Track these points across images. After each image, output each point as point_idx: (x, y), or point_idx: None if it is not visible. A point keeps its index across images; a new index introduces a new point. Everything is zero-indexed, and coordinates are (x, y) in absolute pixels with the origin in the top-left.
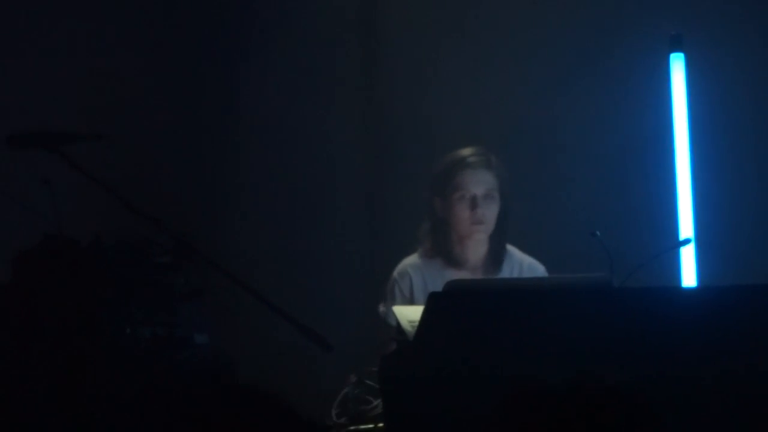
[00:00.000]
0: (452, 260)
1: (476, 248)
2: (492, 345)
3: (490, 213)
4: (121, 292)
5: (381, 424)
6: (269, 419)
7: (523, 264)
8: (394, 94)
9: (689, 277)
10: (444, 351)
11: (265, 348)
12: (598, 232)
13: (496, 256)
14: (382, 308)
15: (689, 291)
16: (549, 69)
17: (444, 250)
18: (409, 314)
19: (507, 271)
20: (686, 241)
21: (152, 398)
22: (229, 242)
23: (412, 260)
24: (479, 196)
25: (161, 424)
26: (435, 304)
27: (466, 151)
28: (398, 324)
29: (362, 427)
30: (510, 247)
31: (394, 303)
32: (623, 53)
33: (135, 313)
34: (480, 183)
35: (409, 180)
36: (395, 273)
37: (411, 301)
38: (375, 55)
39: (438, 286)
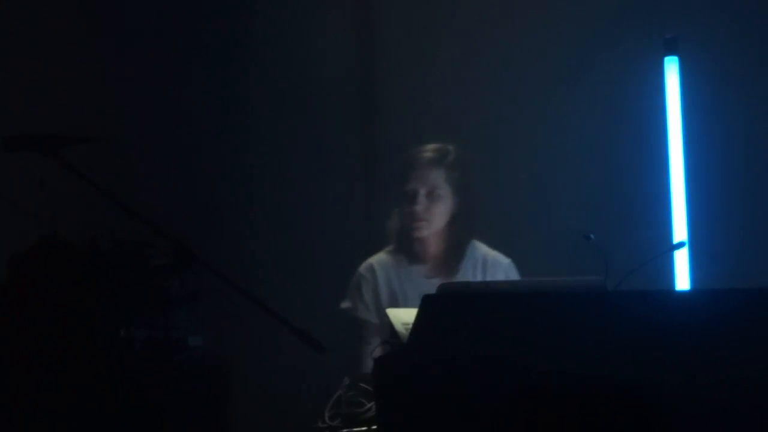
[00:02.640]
0: (412, 255)
1: (436, 245)
2: (485, 348)
3: (434, 210)
4: (117, 294)
5: (374, 427)
6: None
7: (486, 258)
8: (391, 96)
9: (683, 281)
10: (437, 353)
11: (259, 350)
12: (592, 236)
13: (454, 251)
14: (346, 304)
15: (683, 294)
16: (543, 71)
17: (404, 244)
18: (403, 316)
19: (470, 266)
20: (680, 245)
21: (147, 399)
22: (224, 245)
23: (378, 257)
24: (421, 193)
25: (159, 425)
26: (429, 307)
27: (423, 147)
28: (392, 326)
29: (355, 429)
30: (476, 242)
31: (361, 298)
32: (618, 56)
33: (130, 315)
34: (423, 180)
35: None
36: (361, 269)
37: (377, 297)
38: (371, 58)
39: (404, 281)
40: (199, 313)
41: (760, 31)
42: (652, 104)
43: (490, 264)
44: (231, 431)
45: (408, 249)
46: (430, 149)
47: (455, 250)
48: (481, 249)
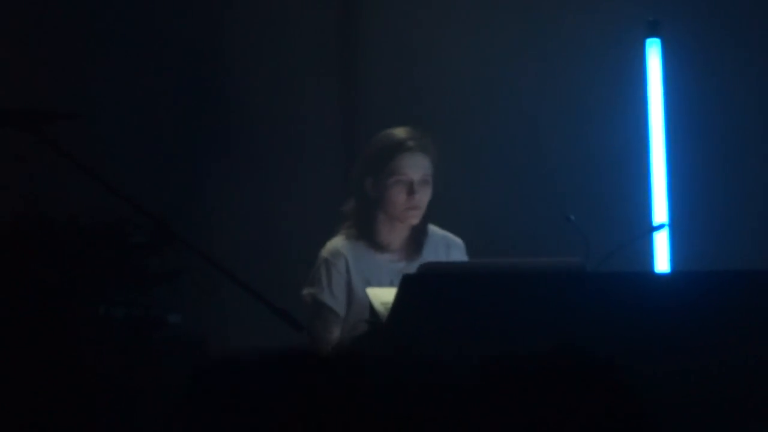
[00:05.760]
0: (376, 243)
1: (401, 231)
2: (465, 328)
3: (425, 198)
4: (96, 271)
5: None
6: None
7: (447, 240)
8: (373, 79)
9: (663, 263)
10: (417, 333)
11: (237, 328)
12: (572, 216)
13: (418, 239)
14: (309, 291)
15: (662, 276)
16: (524, 53)
17: (368, 232)
18: (383, 296)
19: (431, 251)
20: (660, 227)
21: (125, 377)
22: (204, 223)
23: (340, 242)
24: (416, 181)
25: (134, 404)
26: (408, 287)
27: (403, 134)
28: (371, 306)
29: None
30: (429, 226)
31: (330, 285)
32: (599, 37)
33: (109, 292)
34: (418, 168)
35: None
36: (326, 254)
37: (348, 282)
38: (355, 45)
39: (365, 269)
40: (178, 291)
41: (742, 13)
42: (634, 86)
43: (453, 245)
44: None
45: (370, 236)
46: (413, 136)
47: (419, 237)
48: (437, 230)
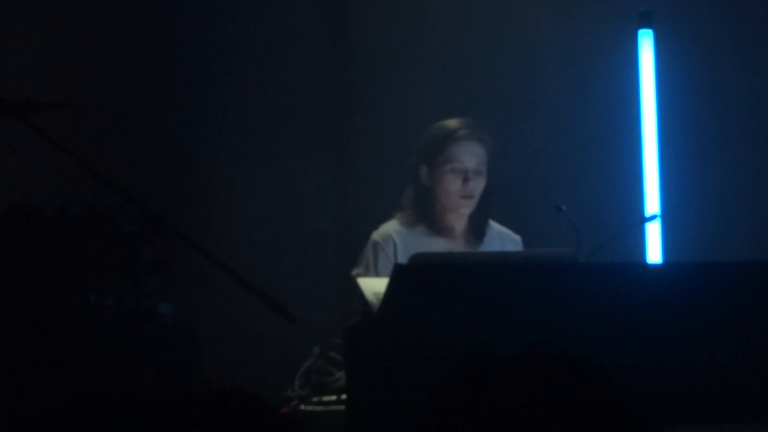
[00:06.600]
0: (435, 227)
1: (460, 219)
2: (456, 318)
3: (478, 187)
4: (87, 261)
5: (344, 396)
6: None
7: (503, 235)
8: (365, 62)
9: (655, 253)
10: (408, 323)
11: (229, 319)
12: (564, 207)
13: (478, 229)
14: (357, 271)
15: (654, 267)
16: (515, 43)
17: (427, 217)
18: (374, 286)
19: (488, 244)
20: (652, 218)
21: (117, 366)
22: (195, 213)
23: (393, 226)
24: (471, 169)
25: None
26: (400, 277)
27: (458, 123)
28: (363, 296)
29: (325, 398)
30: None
31: (376, 267)
32: (591, 28)
33: (100, 282)
34: (473, 156)
35: (377, 155)
36: (377, 237)
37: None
38: (345, 29)
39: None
40: (169, 281)
41: (735, 4)
42: (626, 77)
43: (508, 240)
44: None
45: (431, 221)
46: (467, 124)
47: (478, 228)
48: (495, 225)
